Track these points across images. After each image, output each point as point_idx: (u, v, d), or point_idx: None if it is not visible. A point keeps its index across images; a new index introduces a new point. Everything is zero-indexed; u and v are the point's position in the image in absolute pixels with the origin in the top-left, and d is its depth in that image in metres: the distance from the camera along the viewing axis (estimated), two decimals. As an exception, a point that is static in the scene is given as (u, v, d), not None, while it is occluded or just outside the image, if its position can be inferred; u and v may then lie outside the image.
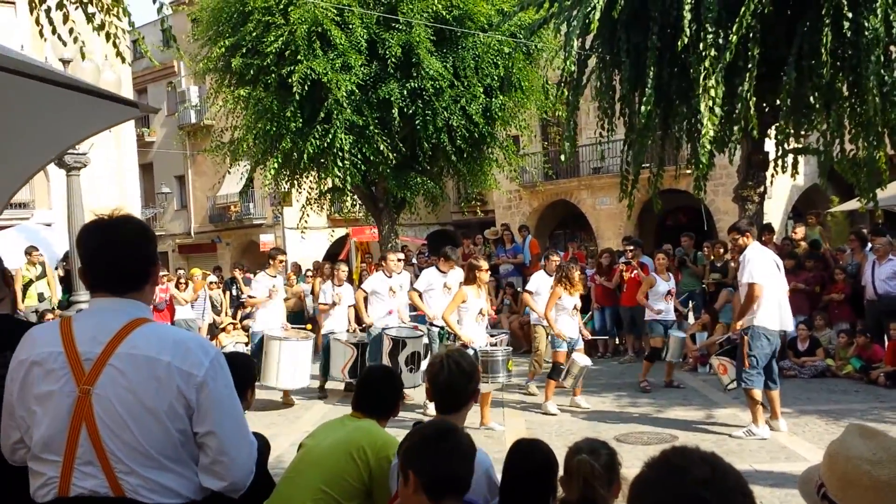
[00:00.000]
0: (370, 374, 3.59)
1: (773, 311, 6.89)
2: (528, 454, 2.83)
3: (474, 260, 8.27)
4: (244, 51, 13.08)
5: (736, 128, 10.19)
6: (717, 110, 9.69)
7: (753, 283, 6.77)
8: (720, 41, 9.62)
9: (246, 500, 3.06)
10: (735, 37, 9.21)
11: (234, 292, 15.46)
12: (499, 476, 2.86)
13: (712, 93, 9.61)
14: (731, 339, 7.44)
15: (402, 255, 10.50)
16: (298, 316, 13.70)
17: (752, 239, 7.06)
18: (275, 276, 9.83)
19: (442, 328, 8.48)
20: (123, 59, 6.59)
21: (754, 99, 9.64)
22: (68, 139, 3.94)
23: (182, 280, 14.26)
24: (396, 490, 2.90)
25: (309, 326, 10.08)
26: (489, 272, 8.12)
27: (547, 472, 2.76)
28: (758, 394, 6.89)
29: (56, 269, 13.40)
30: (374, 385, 3.38)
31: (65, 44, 6.29)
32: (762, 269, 6.81)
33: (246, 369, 3.37)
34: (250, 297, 10.15)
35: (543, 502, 2.73)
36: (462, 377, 3.03)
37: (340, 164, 13.04)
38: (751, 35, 9.47)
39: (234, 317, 14.67)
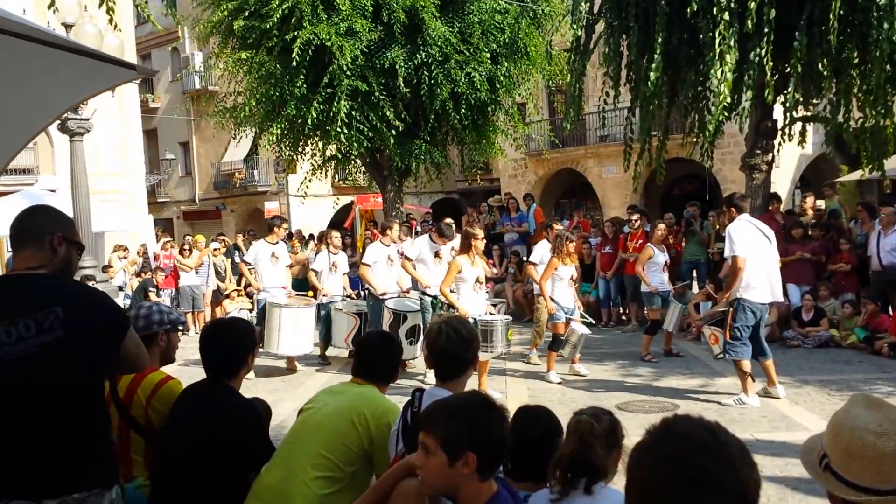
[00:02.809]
0: (368, 339, 3.56)
1: (761, 284, 6.89)
2: (533, 420, 2.80)
3: (469, 228, 8.23)
4: (247, 14, 12.91)
5: (749, 93, 9.99)
6: (730, 76, 9.55)
7: (735, 256, 6.83)
8: (733, 5, 9.45)
9: (246, 465, 3.08)
10: (754, 3, 9.04)
11: (238, 259, 15.46)
12: None
13: (727, 58, 9.46)
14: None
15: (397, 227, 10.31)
16: (303, 283, 13.71)
17: (737, 213, 7.07)
18: (275, 244, 9.80)
19: (435, 297, 8.45)
20: (115, 26, 6.51)
21: (770, 63, 9.48)
22: (65, 102, 3.89)
23: (186, 247, 14.25)
24: (395, 455, 2.90)
25: (311, 293, 10.10)
26: (485, 240, 8.07)
27: (553, 437, 2.72)
28: (746, 364, 6.90)
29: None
30: (372, 350, 3.37)
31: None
32: (743, 242, 6.83)
33: (246, 334, 3.38)
34: (244, 261, 10.12)
35: None
36: (460, 344, 2.98)
37: (346, 130, 12.95)
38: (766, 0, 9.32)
39: (238, 284, 14.68)
